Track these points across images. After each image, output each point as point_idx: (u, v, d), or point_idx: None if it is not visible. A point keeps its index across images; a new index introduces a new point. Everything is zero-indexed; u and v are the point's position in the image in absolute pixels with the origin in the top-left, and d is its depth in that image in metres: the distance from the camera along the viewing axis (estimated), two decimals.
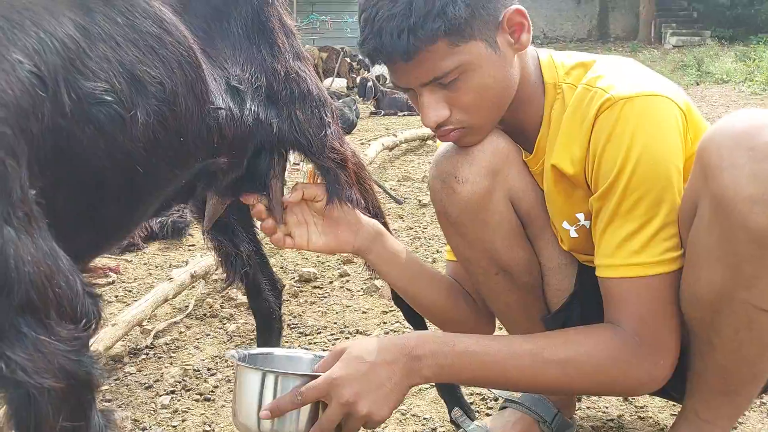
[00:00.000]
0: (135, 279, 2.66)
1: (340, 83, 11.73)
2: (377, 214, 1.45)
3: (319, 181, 1.27)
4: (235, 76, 1.14)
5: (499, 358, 0.93)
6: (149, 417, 1.60)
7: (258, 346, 1.59)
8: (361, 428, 0.93)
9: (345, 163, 1.35)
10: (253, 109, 1.16)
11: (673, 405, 1.47)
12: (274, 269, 2.66)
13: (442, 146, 1.10)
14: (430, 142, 5.42)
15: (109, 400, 1.70)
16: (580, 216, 1.01)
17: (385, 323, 2.05)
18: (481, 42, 0.93)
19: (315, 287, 2.44)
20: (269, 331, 1.57)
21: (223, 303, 2.33)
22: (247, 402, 0.91)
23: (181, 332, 2.11)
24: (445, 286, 1.23)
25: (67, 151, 0.82)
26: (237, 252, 1.49)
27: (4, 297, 0.70)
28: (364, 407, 0.88)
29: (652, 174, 0.89)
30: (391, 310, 2.14)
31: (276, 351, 1.15)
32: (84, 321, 0.78)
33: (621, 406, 1.50)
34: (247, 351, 1.08)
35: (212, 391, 1.71)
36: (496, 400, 1.52)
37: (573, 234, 1.04)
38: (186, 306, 2.28)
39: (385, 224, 1.44)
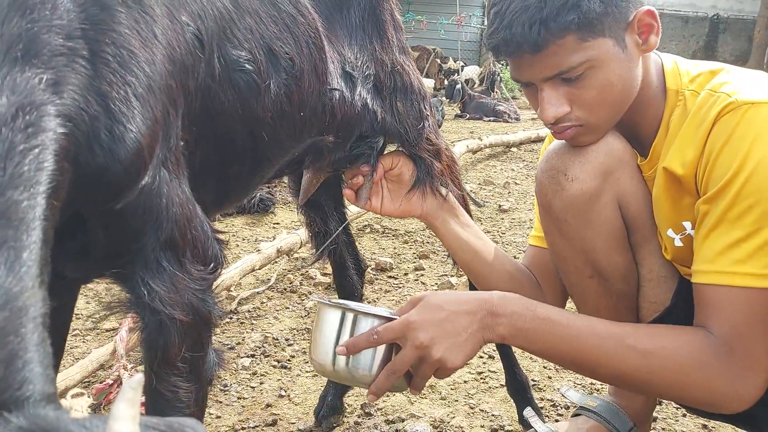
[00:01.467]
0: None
1: (427, 83, 11.78)
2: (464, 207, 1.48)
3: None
4: (349, 62, 1.21)
5: (580, 332, 0.89)
6: (230, 376, 1.71)
7: None
8: (431, 377, 0.92)
9: (439, 154, 1.39)
10: (362, 95, 1.23)
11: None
12: None
13: (554, 143, 1.10)
14: (514, 149, 5.35)
15: None
16: (687, 225, 0.99)
17: None
18: (610, 39, 0.92)
19: (390, 277, 2.49)
20: None
21: (302, 280, 2.43)
22: (325, 338, 0.92)
23: (262, 302, 2.23)
24: (511, 269, 1.23)
25: (211, 111, 0.89)
26: (326, 229, 1.56)
27: (153, 231, 0.77)
28: (437, 352, 0.87)
29: None
30: None
31: (358, 306, 1.18)
32: (212, 264, 0.85)
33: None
34: (329, 299, 1.11)
35: (289, 360, 1.79)
36: (567, 408, 1.51)
37: (677, 243, 1.01)
38: (268, 279, 2.39)
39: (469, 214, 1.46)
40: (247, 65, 0.92)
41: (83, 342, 1.89)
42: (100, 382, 1.58)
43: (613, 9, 0.91)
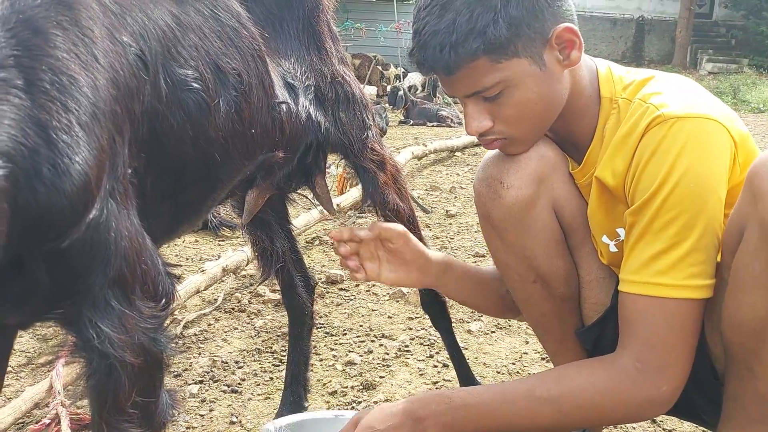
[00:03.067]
0: None
1: (370, 91, 11.82)
2: (410, 219, 1.47)
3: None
4: (289, 74, 1.18)
5: (494, 406, 0.94)
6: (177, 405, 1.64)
7: (289, 339, 1.61)
8: None
9: (384, 164, 1.39)
10: (305, 106, 1.20)
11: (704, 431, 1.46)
12: None
13: (490, 152, 1.12)
14: (458, 153, 5.43)
15: None
16: (620, 231, 1.01)
17: (410, 329, 2.07)
18: (525, 59, 0.93)
19: (341, 289, 2.47)
20: (300, 326, 1.59)
21: (251, 299, 2.36)
22: None
23: (209, 324, 2.15)
24: (496, 291, 1.25)
25: (160, 135, 0.85)
26: (273, 247, 1.52)
27: (101, 269, 0.72)
28: None
29: (691, 196, 0.89)
30: (417, 317, 2.16)
31: (306, 416, 1.18)
32: (164, 300, 0.80)
33: (649, 428, 1.50)
34: (279, 423, 1.12)
35: (239, 384, 1.74)
36: None
37: (612, 249, 1.04)
38: (215, 299, 2.32)
39: (417, 231, 1.45)
40: (194, 84, 0.88)
41: (16, 380, 1.77)
42: (36, 422, 1.48)
43: (525, 30, 0.93)
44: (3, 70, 0.64)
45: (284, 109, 1.12)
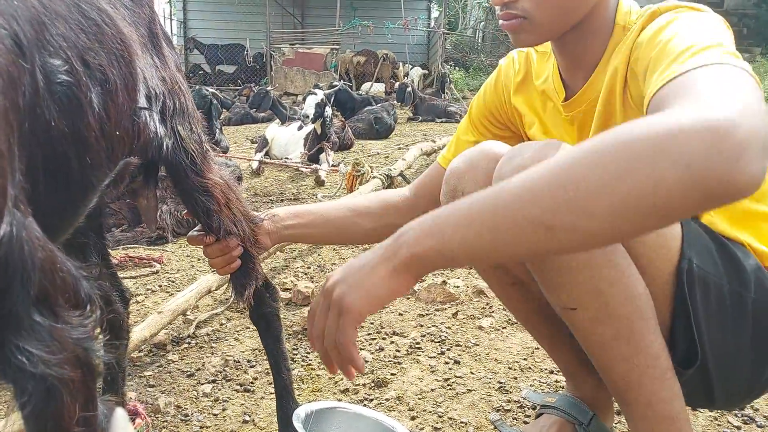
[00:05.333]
0: (178, 270, 2.73)
1: (378, 88, 11.80)
2: (244, 237, 1.26)
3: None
4: (147, 81, 1.09)
5: (480, 199, 0.66)
6: (191, 404, 1.65)
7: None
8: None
9: (216, 187, 1.22)
10: (154, 117, 1.10)
11: (715, 417, 1.45)
12: (312, 267, 2.71)
13: (450, 169, 1.07)
14: None
15: (152, 386, 1.75)
16: None
17: (421, 326, 2.07)
18: None
19: None
20: (119, 341, 1.49)
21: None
22: None
23: (221, 324, 2.17)
24: (369, 215, 1.26)
25: (38, 134, 0.77)
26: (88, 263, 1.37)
27: (21, 286, 0.65)
28: (337, 291, 0.73)
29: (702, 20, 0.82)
30: (427, 314, 2.15)
31: (341, 407, 1.15)
32: (87, 306, 0.74)
33: None
34: (313, 407, 1.09)
35: (252, 383, 1.74)
36: (534, 408, 1.52)
37: None
38: (227, 299, 2.33)
39: (249, 251, 1.27)
40: (67, 76, 0.80)
41: None
42: None
43: None
44: None
45: (144, 116, 1.05)
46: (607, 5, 1.02)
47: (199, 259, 2.86)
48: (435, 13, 16.39)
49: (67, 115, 0.81)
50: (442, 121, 8.22)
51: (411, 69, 12.22)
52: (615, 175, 0.57)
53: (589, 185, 0.57)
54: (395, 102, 8.84)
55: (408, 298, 2.31)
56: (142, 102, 1.04)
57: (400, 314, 2.18)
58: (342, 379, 1.75)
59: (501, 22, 1.02)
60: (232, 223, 1.22)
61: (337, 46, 12.74)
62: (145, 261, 2.77)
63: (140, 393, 1.71)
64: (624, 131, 0.59)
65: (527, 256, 0.83)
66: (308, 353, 1.91)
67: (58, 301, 0.69)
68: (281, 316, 2.21)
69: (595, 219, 0.58)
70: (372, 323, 2.11)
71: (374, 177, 3.80)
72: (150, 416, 1.57)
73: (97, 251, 1.38)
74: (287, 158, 5.15)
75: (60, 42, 0.80)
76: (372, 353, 1.88)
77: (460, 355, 1.82)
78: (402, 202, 1.28)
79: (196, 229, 1.25)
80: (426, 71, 12.37)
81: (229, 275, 1.30)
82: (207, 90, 5.49)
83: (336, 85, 6.64)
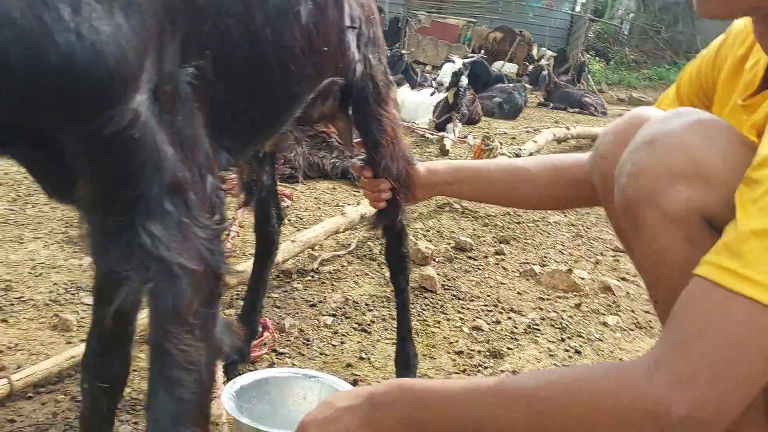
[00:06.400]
0: (306, 209, 2.85)
1: (510, 68, 11.46)
2: (399, 178, 1.29)
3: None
4: (349, 2, 1.11)
5: (459, 398, 0.77)
6: (313, 331, 1.74)
7: (254, 266, 1.59)
8: None
9: (390, 121, 1.26)
10: (352, 39, 1.13)
11: None
12: (431, 231, 2.73)
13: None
14: None
15: (278, 307, 1.86)
16: None
17: (541, 309, 2.02)
18: None
19: (469, 257, 2.45)
20: (267, 256, 1.58)
21: (381, 249, 2.42)
22: None
23: (342, 266, 2.24)
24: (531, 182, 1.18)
25: (234, 36, 0.79)
26: (259, 179, 1.47)
27: (154, 174, 0.67)
28: None
29: None
30: (548, 298, 2.10)
31: (269, 374, 1.15)
32: (217, 215, 0.75)
33: None
34: (239, 382, 1.09)
35: (369, 324, 1.80)
36: None
37: None
38: (349, 243, 2.41)
39: (396, 198, 1.29)
40: None
41: None
42: None
43: None
44: None
45: (348, 36, 1.07)
46: None
47: (325, 203, 2.97)
48: None
49: (273, 23, 0.84)
50: (574, 111, 7.85)
51: (545, 52, 11.72)
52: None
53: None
54: (527, 85, 8.55)
55: (528, 279, 2.26)
56: (348, 21, 1.07)
57: (519, 293, 2.14)
58: (457, 340, 1.76)
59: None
60: (392, 161, 1.25)
61: (474, 20, 12.47)
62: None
63: (267, 312, 1.82)
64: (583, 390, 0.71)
65: None
66: (424, 310, 1.94)
67: (191, 196, 0.70)
68: None
69: None
70: (489, 296, 2.09)
71: (503, 154, 3.72)
72: (276, 333, 1.68)
73: (269, 172, 1.48)
74: (414, 122, 5.17)
75: None
76: (488, 324, 1.88)
77: (581, 346, 1.77)
78: (576, 172, 1.13)
79: (359, 158, 1.30)
80: (554, 56, 11.76)
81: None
82: None
83: (473, 56, 6.51)
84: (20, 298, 1.73)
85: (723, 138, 0.78)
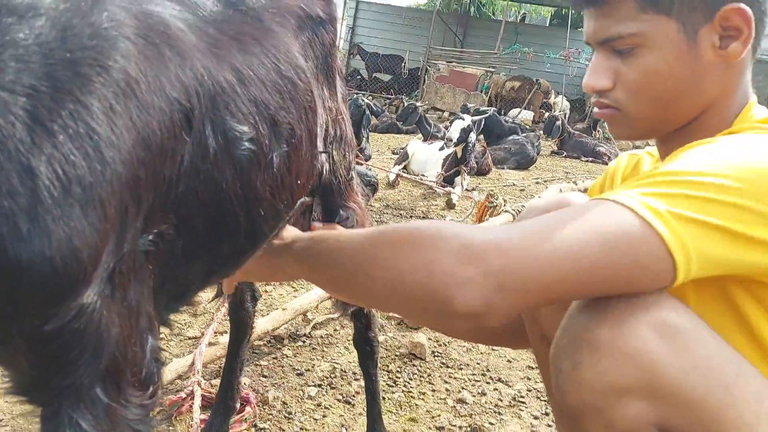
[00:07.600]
0: None
1: (526, 115, 11.58)
2: None
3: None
4: (321, 119, 1.12)
5: (339, 241, 0.83)
6: (296, 403, 1.75)
7: (229, 349, 1.63)
8: None
9: (361, 209, 1.32)
10: (323, 155, 1.15)
11: None
12: None
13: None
14: None
15: (265, 376, 1.89)
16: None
17: (529, 379, 2.01)
18: (676, 23, 0.81)
19: None
20: (242, 338, 1.62)
21: (377, 311, 2.44)
22: None
23: (335, 329, 2.27)
24: None
25: (200, 194, 0.78)
26: None
27: (91, 361, 0.64)
28: None
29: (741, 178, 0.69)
30: (537, 367, 2.08)
31: None
32: (150, 388, 0.73)
33: None
34: None
35: (353, 396, 1.81)
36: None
37: None
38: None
39: None
40: (249, 143, 0.82)
41: (166, 347, 2.01)
42: (175, 393, 1.66)
43: None
44: (11, 94, 0.55)
45: (323, 158, 1.09)
46: (726, 108, 0.86)
47: None
48: None
49: (243, 176, 0.83)
50: (587, 160, 7.87)
51: (560, 102, 11.82)
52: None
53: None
54: (541, 133, 8.62)
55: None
56: (320, 146, 1.08)
57: (509, 361, 2.13)
58: (440, 414, 1.75)
59: (594, 109, 0.93)
60: None
61: (493, 69, 12.70)
62: None
63: (253, 381, 1.85)
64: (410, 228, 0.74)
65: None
66: (410, 379, 1.94)
67: (125, 378, 0.68)
68: (391, 336, 2.27)
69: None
70: (478, 364, 2.09)
71: (506, 211, 3.75)
72: (258, 406, 1.70)
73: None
74: (423, 175, 5.24)
75: (250, 108, 0.84)
76: (473, 396, 1.87)
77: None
78: None
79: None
80: (570, 105, 11.85)
81: None
82: (363, 100, 5.79)
83: (486, 111, 6.62)
84: None
85: (686, 335, 0.70)
